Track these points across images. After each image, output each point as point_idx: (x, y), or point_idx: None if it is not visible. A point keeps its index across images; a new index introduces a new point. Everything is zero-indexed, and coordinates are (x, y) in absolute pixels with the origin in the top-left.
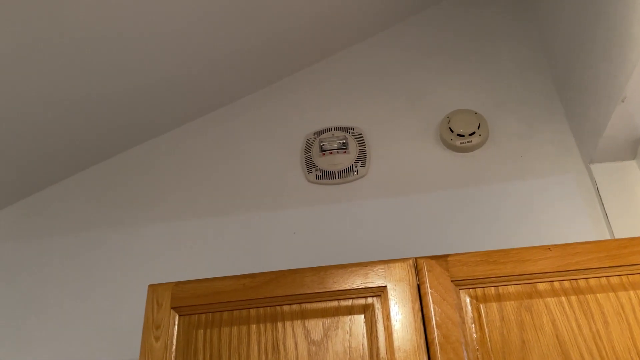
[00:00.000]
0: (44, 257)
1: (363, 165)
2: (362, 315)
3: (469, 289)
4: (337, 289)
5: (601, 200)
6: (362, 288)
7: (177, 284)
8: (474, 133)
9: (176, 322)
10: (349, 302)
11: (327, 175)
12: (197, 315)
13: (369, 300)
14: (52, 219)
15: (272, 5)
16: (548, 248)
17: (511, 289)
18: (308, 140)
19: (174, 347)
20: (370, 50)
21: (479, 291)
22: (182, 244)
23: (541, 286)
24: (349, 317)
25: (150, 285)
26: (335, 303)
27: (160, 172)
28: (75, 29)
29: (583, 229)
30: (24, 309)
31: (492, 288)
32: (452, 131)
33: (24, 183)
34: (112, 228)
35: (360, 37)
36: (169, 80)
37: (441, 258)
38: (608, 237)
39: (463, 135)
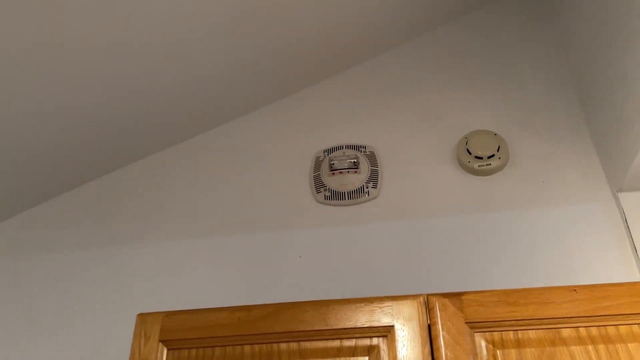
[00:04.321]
0: (35, 274)
1: (375, 187)
2: (367, 358)
3: (485, 332)
4: (340, 327)
5: (630, 232)
6: (367, 327)
7: (168, 314)
8: (493, 155)
9: (164, 357)
10: (352, 342)
11: (336, 196)
12: (187, 350)
13: (375, 341)
14: (41, 237)
15: (281, 18)
16: (574, 289)
17: (532, 334)
18: (317, 158)
19: None
20: (385, 66)
21: (496, 335)
22: (179, 263)
23: (565, 332)
24: (352, 359)
25: (139, 315)
26: (337, 343)
27: (159, 190)
28: (76, 36)
29: (610, 263)
30: (16, 327)
31: (511, 332)
32: (470, 153)
33: (18, 199)
34: (107, 245)
35: (375, 53)
36: (170, 93)
37: (455, 296)
38: (638, 273)
39: (481, 158)
